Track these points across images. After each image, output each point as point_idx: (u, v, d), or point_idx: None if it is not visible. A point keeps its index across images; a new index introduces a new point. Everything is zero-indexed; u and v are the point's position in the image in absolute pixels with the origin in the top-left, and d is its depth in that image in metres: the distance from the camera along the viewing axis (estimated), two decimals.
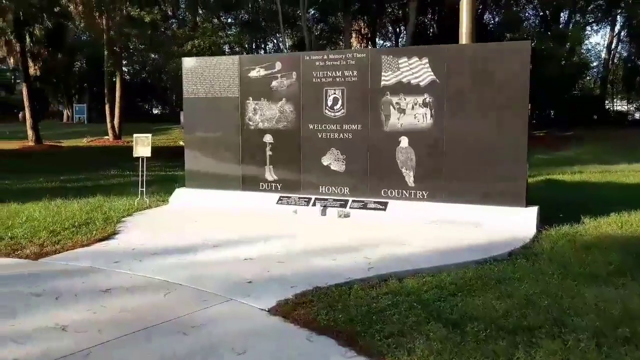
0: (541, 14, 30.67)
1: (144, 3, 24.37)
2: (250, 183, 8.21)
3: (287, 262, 5.24)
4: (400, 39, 33.00)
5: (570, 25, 28.66)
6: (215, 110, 8.38)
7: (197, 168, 8.55)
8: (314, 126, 7.80)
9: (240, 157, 8.27)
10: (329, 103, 7.70)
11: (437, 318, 3.76)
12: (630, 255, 5.24)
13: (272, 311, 3.99)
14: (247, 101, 8.16)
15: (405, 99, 7.26)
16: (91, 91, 41.09)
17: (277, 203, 7.83)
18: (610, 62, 33.18)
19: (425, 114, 7.17)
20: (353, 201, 7.50)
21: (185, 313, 3.96)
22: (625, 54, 33.34)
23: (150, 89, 42.83)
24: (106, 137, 26.51)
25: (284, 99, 7.95)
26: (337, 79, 7.63)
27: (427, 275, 4.74)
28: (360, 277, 4.69)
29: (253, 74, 8.10)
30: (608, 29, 32.46)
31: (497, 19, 31.00)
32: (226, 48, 27.85)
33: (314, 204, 7.63)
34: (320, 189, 7.78)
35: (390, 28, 34.92)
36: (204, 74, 8.40)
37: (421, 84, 7.16)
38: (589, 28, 31.37)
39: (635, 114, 34.33)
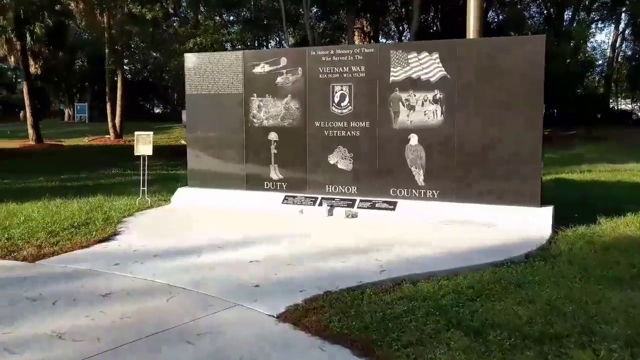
0: (545, 12, 30.45)
1: (145, 0, 24.16)
2: (255, 182, 7.99)
3: (294, 264, 5.02)
4: (403, 37, 32.81)
5: (575, 24, 28.41)
6: (218, 108, 8.15)
7: (200, 167, 8.33)
8: (320, 123, 7.57)
9: (244, 155, 8.04)
10: (336, 100, 7.47)
11: (457, 325, 3.54)
12: None
13: (281, 317, 3.76)
14: (252, 98, 7.94)
15: (414, 95, 7.03)
16: (92, 90, 40.98)
17: (282, 203, 7.60)
18: (614, 61, 32.96)
19: (436, 110, 6.94)
20: (361, 201, 7.28)
21: (190, 319, 3.74)
22: (629, 53, 33.15)
23: (151, 87, 42.72)
24: (107, 136, 26.31)
25: (289, 96, 7.72)
26: (345, 75, 7.40)
27: (442, 278, 4.53)
28: (372, 281, 4.47)
29: (257, 69, 7.87)
30: (613, 27, 32.27)
31: (501, 17, 30.79)
32: (228, 46, 27.58)
33: (320, 204, 7.41)
34: (327, 188, 7.56)
35: (393, 26, 34.71)
36: (207, 71, 8.17)
37: (431, 79, 6.94)
38: (593, 26, 31.12)
39: (639, 113, 34.14)
